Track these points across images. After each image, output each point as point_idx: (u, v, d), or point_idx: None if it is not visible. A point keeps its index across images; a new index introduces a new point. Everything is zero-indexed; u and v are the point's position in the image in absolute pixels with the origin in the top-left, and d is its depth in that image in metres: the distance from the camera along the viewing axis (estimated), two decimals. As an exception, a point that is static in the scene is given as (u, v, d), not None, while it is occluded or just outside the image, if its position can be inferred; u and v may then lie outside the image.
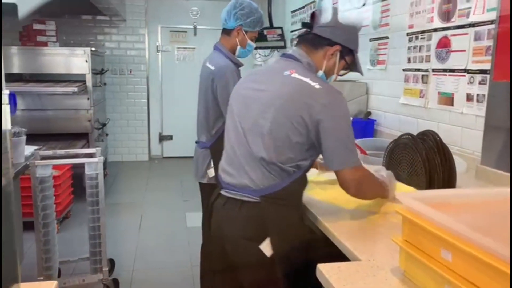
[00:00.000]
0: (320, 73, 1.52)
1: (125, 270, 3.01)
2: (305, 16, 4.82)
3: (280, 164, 1.39)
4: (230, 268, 1.50)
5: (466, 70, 2.18)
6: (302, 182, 1.48)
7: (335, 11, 1.62)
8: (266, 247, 1.38)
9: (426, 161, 1.68)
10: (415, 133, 1.84)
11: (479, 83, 2.08)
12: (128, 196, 4.76)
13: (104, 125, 5.32)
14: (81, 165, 2.47)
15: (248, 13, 2.23)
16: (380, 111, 3.03)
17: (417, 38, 2.60)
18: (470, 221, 0.86)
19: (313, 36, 1.51)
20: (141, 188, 5.06)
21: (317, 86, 1.38)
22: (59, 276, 2.63)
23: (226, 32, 2.29)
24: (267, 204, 1.40)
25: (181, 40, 6.39)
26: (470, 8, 2.15)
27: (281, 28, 5.20)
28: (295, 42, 1.62)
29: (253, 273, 1.44)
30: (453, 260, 0.85)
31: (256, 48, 4.65)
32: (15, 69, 4.48)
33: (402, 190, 1.71)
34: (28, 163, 2.33)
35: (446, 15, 2.34)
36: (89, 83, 4.55)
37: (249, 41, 2.29)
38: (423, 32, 2.53)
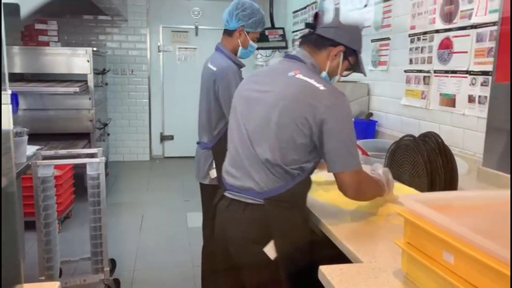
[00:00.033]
0: (324, 74, 1.52)
1: (126, 270, 3.02)
2: (307, 17, 4.82)
3: (285, 166, 1.38)
4: (233, 269, 1.50)
5: (468, 72, 2.18)
6: (306, 184, 1.48)
7: (337, 11, 1.62)
8: (270, 250, 1.38)
9: (427, 162, 1.68)
10: (416, 135, 1.84)
11: (481, 85, 2.08)
12: (129, 196, 4.76)
13: (105, 125, 5.32)
14: (83, 165, 2.48)
15: (250, 14, 2.23)
16: (381, 112, 3.03)
17: (419, 39, 2.60)
18: (472, 224, 0.87)
19: (317, 37, 1.51)
20: (142, 188, 5.06)
21: (321, 87, 1.37)
22: (60, 276, 2.64)
23: (227, 33, 2.29)
24: (271, 206, 1.39)
25: (183, 40, 6.40)
26: (472, 9, 2.14)
27: (283, 28, 5.20)
28: (297, 43, 1.62)
29: (256, 274, 1.44)
30: (455, 263, 0.85)
31: (258, 48, 4.66)
32: (17, 69, 4.49)
33: (404, 192, 1.71)
34: (30, 163, 2.34)
35: (448, 17, 2.33)
36: (90, 83, 4.55)
37: (251, 42, 2.28)
38: (425, 33, 2.53)
